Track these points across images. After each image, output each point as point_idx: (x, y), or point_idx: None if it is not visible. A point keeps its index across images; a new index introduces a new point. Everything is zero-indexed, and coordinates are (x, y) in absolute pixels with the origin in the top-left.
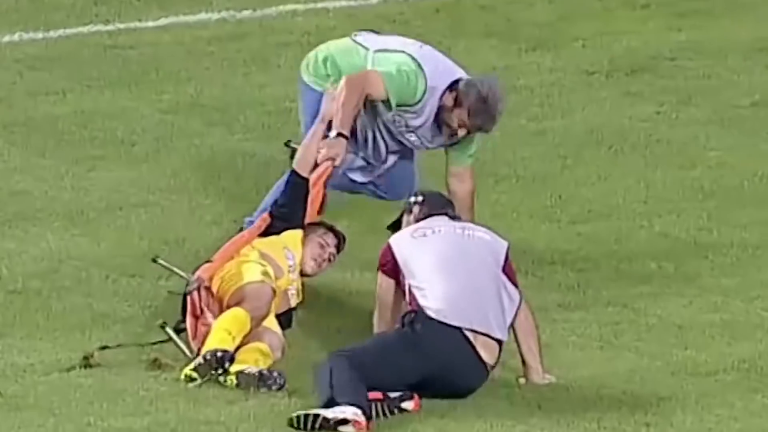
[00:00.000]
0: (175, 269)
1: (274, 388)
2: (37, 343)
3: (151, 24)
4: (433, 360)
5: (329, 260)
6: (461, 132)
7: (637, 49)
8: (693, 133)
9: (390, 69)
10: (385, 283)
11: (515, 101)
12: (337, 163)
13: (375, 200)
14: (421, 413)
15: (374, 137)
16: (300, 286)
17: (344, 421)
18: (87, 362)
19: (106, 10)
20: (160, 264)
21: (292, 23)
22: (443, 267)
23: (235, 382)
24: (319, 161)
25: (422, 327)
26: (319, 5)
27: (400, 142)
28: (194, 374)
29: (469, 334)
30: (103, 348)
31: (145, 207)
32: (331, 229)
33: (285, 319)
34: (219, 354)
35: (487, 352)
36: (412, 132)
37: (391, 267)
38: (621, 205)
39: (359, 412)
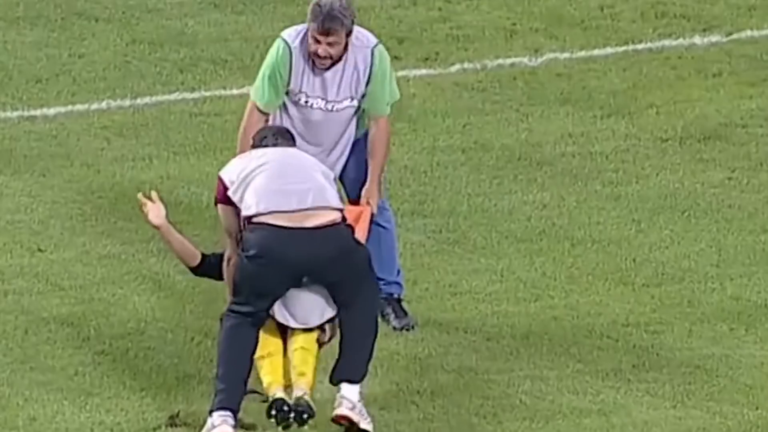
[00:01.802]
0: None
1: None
2: (124, 402)
3: (235, 92)
4: (263, 259)
5: None
6: (319, 49)
7: (709, 116)
8: (764, 199)
9: (256, 84)
10: (222, 209)
11: (590, 167)
12: None
13: None
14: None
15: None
16: None
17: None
18: (173, 421)
19: (191, 78)
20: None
21: None
22: (264, 173)
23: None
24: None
25: (249, 236)
26: (400, 73)
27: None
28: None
29: (282, 220)
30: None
31: None
32: None
33: None
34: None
35: (318, 219)
36: (301, 94)
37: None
38: (693, 268)
39: (225, 413)
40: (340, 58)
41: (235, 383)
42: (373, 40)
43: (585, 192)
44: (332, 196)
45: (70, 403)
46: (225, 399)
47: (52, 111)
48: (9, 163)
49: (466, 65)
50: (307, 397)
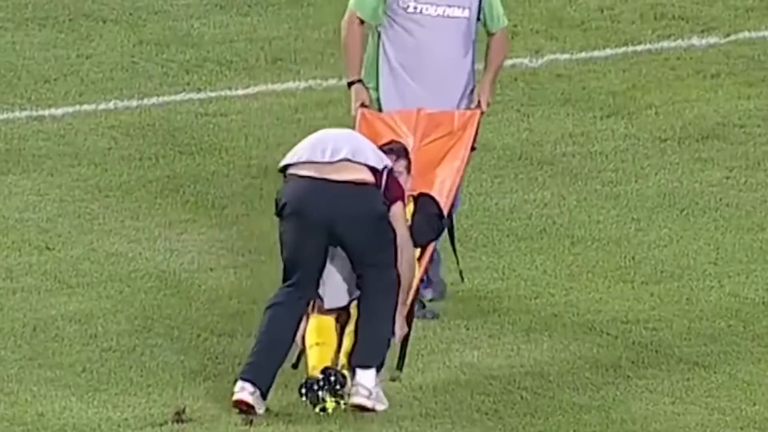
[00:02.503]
0: None
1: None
2: (131, 398)
3: (240, 92)
4: (289, 211)
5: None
6: None
7: (708, 116)
8: (761, 197)
9: None
10: None
11: (590, 166)
12: (366, 103)
13: None
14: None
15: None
16: None
17: (235, 403)
18: (179, 417)
19: (197, 78)
20: None
21: None
22: (311, 136)
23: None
24: (353, 112)
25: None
26: None
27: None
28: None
29: (311, 171)
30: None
31: (234, 268)
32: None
33: None
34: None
35: (348, 173)
36: (416, 2)
37: None
38: (692, 266)
39: (245, 385)
40: None
41: (263, 357)
42: None
43: (585, 191)
44: (371, 156)
45: (78, 399)
46: (247, 371)
47: (60, 111)
48: (17, 163)
49: None
50: (339, 368)
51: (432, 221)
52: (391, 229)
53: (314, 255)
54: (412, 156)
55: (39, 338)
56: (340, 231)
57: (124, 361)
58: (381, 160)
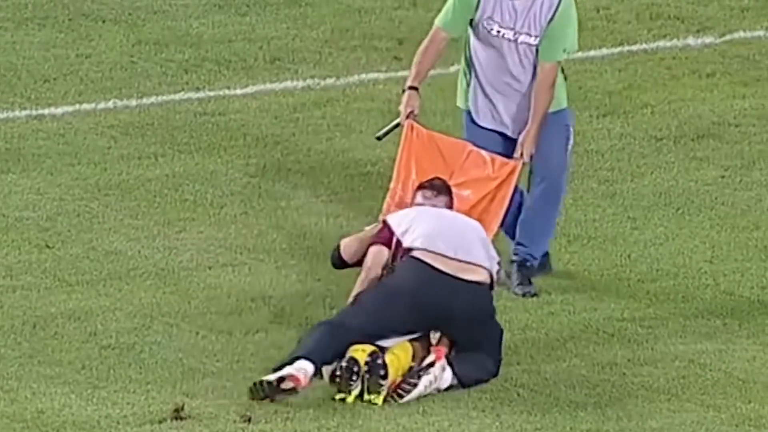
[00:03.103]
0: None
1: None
2: (130, 395)
3: (239, 92)
4: (401, 294)
5: None
6: None
7: (703, 115)
8: (756, 196)
9: (443, 9)
10: (376, 249)
11: (586, 165)
12: (416, 112)
13: None
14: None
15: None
16: None
17: (282, 379)
18: (177, 414)
19: (196, 78)
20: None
21: (373, 91)
22: (430, 219)
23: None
24: (401, 121)
25: (399, 264)
26: (400, 74)
27: (495, 48)
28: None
29: (436, 261)
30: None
31: (233, 266)
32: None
33: None
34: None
35: (471, 275)
36: (494, 23)
37: (384, 235)
38: (687, 264)
39: (306, 364)
40: None
41: (309, 347)
42: None
43: (581, 189)
44: (486, 256)
45: (77, 397)
46: (296, 351)
47: (59, 110)
48: (17, 161)
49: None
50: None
51: None
52: (497, 324)
53: (397, 329)
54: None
55: (39, 336)
56: (453, 325)
57: (123, 358)
58: (494, 260)
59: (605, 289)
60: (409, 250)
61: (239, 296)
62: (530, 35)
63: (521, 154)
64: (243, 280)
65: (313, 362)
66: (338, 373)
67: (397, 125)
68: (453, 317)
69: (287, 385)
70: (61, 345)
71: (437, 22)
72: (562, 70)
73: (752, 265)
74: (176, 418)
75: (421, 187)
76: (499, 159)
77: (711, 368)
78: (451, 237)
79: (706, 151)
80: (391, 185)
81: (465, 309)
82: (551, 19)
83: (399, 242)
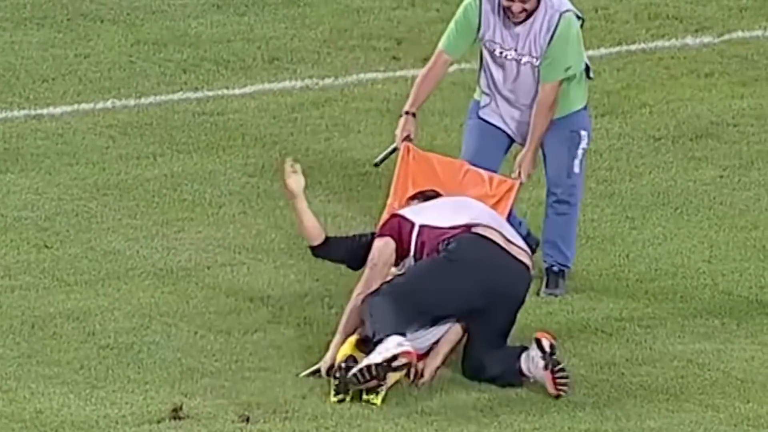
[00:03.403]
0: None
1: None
2: (129, 395)
3: (237, 91)
4: (473, 267)
5: None
6: (513, 6)
7: (702, 115)
8: (755, 196)
9: (449, 27)
10: (382, 242)
11: (585, 165)
12: (412, 136)
13: None
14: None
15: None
16: None
17: (394, 358)
18: (176, 414)
19: (194, 78)
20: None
21: (372, 91)
22: (454, 207)
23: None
24: (397, 145)
25: (455, 243)
26: (398, 74)
27: (501, 66)
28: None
29: (499, 239)
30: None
31: (231, 266)
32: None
33: None
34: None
35: (522, 256)
36: (495, 44)
37: (393, 226)
38: (686, 264)
39: (401, 339)
40: (532, 13)
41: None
42: (566, 6)
43: None
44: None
45: (76, 396)
46: (377, 330)
47: (58, 110)
48: (16, 161)
49: (463, 65)
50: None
51: None
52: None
53: (455, 305)
54: None
55: (37, 336)
56: (499, 304)
57: (122, 358)
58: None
59: (604, 288)
60: (468, 227)
61: (238, 296)
62: (532, 56)
63: (519, 174)
64: (241, 279)
65: (403, 335)
66: (354, 377)
67: (394, 150)
68: (512, 299)
69: (400, 361)
70: (59, 345)
71: (440, 45)
72: (588, 69)
73: (750, 265)
74: (175, 418)
75: (413, 197)
76: (497, 177)
77: (709, 368)
78: (495, 221)
79: (705, 150)
80: (388, 201)
81: (522, 292)
82: (550, 40)
83: (420, 230)
